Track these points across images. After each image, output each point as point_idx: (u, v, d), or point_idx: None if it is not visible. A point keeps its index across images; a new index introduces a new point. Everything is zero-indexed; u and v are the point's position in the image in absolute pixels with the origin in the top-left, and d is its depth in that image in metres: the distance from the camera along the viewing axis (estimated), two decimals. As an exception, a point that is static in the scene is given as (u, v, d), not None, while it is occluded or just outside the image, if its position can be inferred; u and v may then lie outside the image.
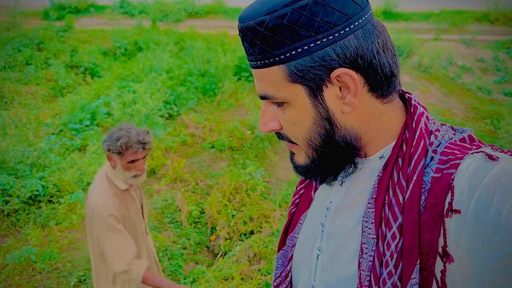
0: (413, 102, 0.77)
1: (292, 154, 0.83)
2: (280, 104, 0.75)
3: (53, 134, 5.61)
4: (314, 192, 0.92)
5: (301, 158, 0.80)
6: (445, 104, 6.91)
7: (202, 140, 5.57)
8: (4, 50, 8.76)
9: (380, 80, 0.72)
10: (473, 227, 0.59)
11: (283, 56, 0.69)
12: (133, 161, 2.10)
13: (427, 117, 0.76)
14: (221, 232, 3.91)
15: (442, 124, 0.79)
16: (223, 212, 4.10)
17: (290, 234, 0.92)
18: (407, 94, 0.80)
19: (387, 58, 0.72)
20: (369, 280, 0.69)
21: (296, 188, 0.98)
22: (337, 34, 0.68)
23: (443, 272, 0.63)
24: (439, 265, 0.64)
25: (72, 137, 5.55)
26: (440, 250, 0.64)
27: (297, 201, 0.95)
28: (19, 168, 4.48)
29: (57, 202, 4.27)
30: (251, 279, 3.35)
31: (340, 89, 0.71)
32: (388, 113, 0.75)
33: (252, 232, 3.96)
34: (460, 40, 9.60)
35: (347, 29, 0.68)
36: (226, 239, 3.86)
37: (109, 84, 7.15)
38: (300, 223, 0.91)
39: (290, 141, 0.78)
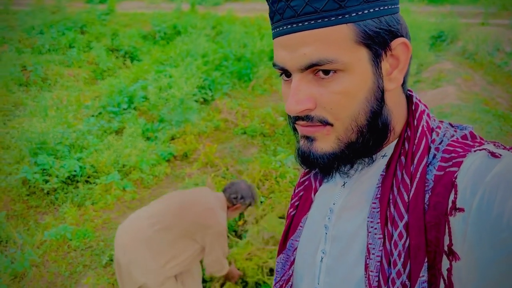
0: (414, 99, 0.77)
1: (310, 141, 0.73)
2: (327, 73, 0.67)
3: (92, 116, 5.81)
4: (314, 194, 0.89)
5: (328, 144, 0.72)
6: (489, 93, 6.62)
7: (235, 126, 5.62)
8: (49, 33, 9.10)
9: (409, 67, 0.73)
10: (477, 225, 0.58)
11: (354, 14, 0.65)
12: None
13: (428, 114, 0.76)
14: (249, 217, 3.95)
15: (440, 121, 0.77)
16: (251, 198, 4.14)
17: (291, 238, 0.90)
18: (408, 92, 0.79)
19: None
20: (378, 281, 0.68)
21: (294, 190, 0.94)
22: (394, 6, 0.69)
23: (449, 270, 0.62)
24: (445, 263, 0.63)
25: (110, 120, 5.73)
26: (446, 248, 0.63)
27: (296, 203, 0.92)
28: (59, 149, 4.68)
29: (93, 183, 4.44)
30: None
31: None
32: (402, 106, 0.75)
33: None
34: (509, 25, 9.13)
35: (398, 6, 0.71)
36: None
37: (147, 68, 7.30)
38: (301, 226, 0.89)
39: (323, 122, 0.70)
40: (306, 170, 0.94)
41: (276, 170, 4.49)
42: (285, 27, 0.68)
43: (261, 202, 4.15)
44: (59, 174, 4.32)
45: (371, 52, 0.67)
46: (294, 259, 0.89)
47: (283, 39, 0.69)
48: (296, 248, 0.89)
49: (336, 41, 0.65)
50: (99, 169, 4.59)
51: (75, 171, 4.43)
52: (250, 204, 2.67)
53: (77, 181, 4.44)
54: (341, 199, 0.80)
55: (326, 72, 0.67)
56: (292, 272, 0.89)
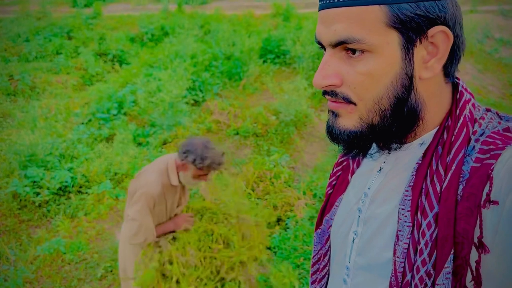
0: (460, 88, 0.75)
1: (334, 116, 0.75)
2: (355, 52, 0.68)
3: (82, 124, 5.73)
4: (351, 176, 0.91)
5: (350, 122, 0.73)
6: (480, 81, 6.60)
7: (227, 127, 5.56)
8: (35, 40, 8.97)
9: (456, 56, 0.71)
10: (510, 219, 0.57)
11: None
12: (204, 175, 2.30)
13: (473, 104, 0.74)
14: (245, 221, 3.90)
15: (487, 110, 0.75)
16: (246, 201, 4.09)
17: (327, 215, 0.93)
18: (455, 80, 0.77)
19: (463, 37, 0.71)
20: (403, 267, 0.70)
21: (333, 169, 0.97)
22: None
23: (477, 262, 0.62)
24: (474, 255, 0.63)
25: (100, 127, 5.64)
26: (475, 240, 0.63)
27: (333, 183, 0.95)
28: (49, 160, 4.60)
29: (85, 193, 4.38)
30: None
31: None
32: (444, 95, 0.74)
33: (278, 221, 3.94)
34: (498, 11, 9.10)
35: None
36: (250, 229, 3.86)
37: (136, 71, 7.20)
38: (336, 206, 0.92)
39: (347, 100, 0.71)
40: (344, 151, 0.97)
41: (270, 171, 4.44)
42: (326, 1, 0.69)
43: (256, 204, 4.11)
44: (50, 186, 4.25)
45: (403, 37, 0.66)
46: (329, 235, 0.93)
47: (322, 13, 0.71)
48: (331, 226, 0.93)
49: (367, 21, 0.66)
50: (91, 179, 4.52)
51: (66, 182, 4.36)
52: (195, 163, 2.20)
53: (69, 192, 4.37)
54: (376, 184, 0.82)
55: (354, 51, 0.68)
56: (329, 247, 0.94)
